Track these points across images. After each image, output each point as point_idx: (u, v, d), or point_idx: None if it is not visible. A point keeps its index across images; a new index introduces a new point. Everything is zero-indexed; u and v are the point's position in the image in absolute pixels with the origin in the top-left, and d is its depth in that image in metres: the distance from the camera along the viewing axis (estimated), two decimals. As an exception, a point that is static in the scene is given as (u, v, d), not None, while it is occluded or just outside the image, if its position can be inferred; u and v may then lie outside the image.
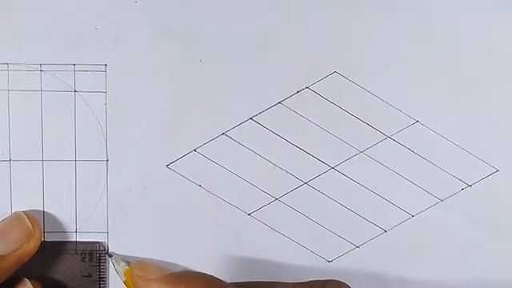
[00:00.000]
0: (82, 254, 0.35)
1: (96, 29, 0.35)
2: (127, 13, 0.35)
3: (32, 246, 0.33)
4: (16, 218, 0.34)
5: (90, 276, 0.35)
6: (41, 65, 0.35)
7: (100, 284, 0.35)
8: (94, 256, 0.35)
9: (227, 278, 0.36)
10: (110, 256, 0.34)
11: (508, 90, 0.35)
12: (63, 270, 0.35)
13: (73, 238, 0.36)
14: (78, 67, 0.35)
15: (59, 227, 0.36)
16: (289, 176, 0.36)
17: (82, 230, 0.36)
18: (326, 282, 0.32)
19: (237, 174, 0.35)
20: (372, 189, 0.36)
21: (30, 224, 0.33)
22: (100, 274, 0.35)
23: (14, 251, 0.32)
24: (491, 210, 0.35)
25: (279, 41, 0.35)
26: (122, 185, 0.35)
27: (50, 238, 0.35)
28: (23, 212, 0.34)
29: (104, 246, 0.35)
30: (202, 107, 0.35)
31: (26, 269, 0.33)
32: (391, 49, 0.35)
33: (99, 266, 0.35)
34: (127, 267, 0.33)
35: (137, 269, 0.31)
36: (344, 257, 0.36)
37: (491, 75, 0.35)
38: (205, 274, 0.31)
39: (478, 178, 0.35)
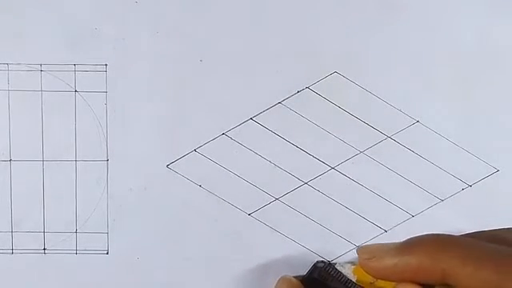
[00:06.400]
0: None
1: (96, 29, 0.35)
2: (127, 13, 0.35)
3: None
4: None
5: None
6: (41, 65, 0.35)
7: None
8: None
9: (227, 278, 0.36)
10: (334, 264, 0.34)
11: (508, 90, 0.35)
12: None
13: (73, 238, 0.36)
14: (78, 67, 0.35)
15: (59, 227, 0.36)
16: (289, 176, 0.36)
17: (81, 230, 0.36)
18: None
19: (237, 174, 0.35)
20: (372, 189, 0.36)
21: None
22: None
23: None
24: (491, 210, 0.35)
25: (279, 41, 0.35)
26: (122, 185, 0.35)
27: (49, 238, 0.36)
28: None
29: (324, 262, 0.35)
30: (202, 107, 0.35)
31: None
32: (391, 49, 0.35)
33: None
34: (353, 266, 0.33)
35: (363, 254, 0.31)
36: (344, 256, 0.36)
37: (491, 75, 0.35)
38: (429, 234, 0.30)
39: (478, 178, 0.35)
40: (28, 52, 0.35)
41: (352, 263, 0.34)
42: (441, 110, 0.35)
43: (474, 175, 0.35)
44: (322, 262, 0.35)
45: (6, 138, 0.35)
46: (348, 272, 0.33)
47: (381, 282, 0.31)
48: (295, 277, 0.35)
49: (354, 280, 0.33)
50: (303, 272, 0.35)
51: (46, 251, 0.36)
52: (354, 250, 0.36)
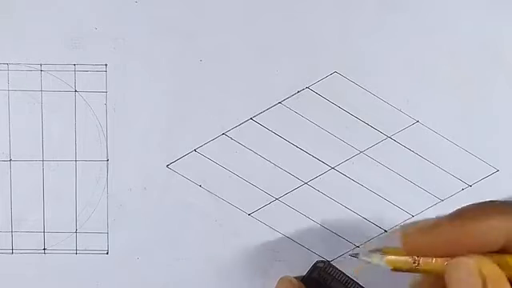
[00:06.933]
0: None
1: (96, 29, 0.35)
2: (127, 13, 0.35)
3: None
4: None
5: None
6: (41, 65, 0.35)
7: None
8: None
9: (227, 278, 0.36)
10: (357, 255, 0.30)
11: (508, 91, 0.35)
12: None
13: (73, 238, 0.36)
14: (78, 67, 0.35)
15: (59, 227, 0.36)
16: (289, 176, 0.36)
17: (82, 230, 0.36)
18: None
19: (237, 174, 0.35)
20: (372, 189, 0.36)
21: None
22: None
23: None
24: (491, 210, 0.35)
25: (279, 41, 0.35)
26: (122, 185, 0.35)
27: (49, 238, 0.36)
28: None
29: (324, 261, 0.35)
30: (202, 107, 0.35)
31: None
32: (391, 49, 0.35)
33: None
34: (385, 256, 0.28)
35: (410, 229, 0.27)
36: (344, 256, 0.36)
37: (491, 76, 0.35)
38: (481, 202, 0.27)
39: (478, 177, 0.35)
40: (28, 52, 0.35)
41: (378, 250, 0.30)
42: (441, 110, 0.35)
43: (474, 175, 0.35)
44: (322, 261, 0.35)
45: (6, 137, 0.35)
46: (380, 262, 0.30)
47: (425, 263, 0.27)
48: (295, 277, 0.35)
49: (391, 269, 0.30)
50: (303, 272, 0.35)
51: (45, 251, 0.36)
52: (354, 250, 0.36)
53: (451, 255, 0.25)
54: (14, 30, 0.35)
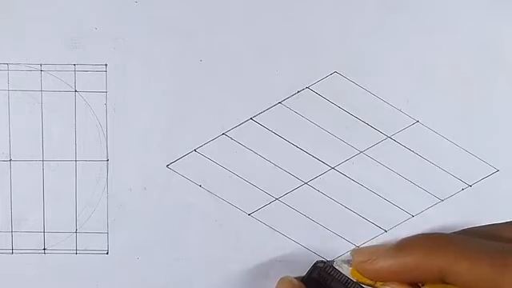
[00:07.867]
0: None
1: (96, 29, 0.35)
2: (127, 13, 0.35)
3: None
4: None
5: None
6: (41, 65, 0.35)
7: None
8: None
9: (227, 278, 0.36)
10: (331, 263, 0.34)
11: (508, 91, 0.35)
12: None
13: (73, 238, 0.36)
14: (78, 67, 0.35)
15: (59, 227, 0.36)
16: (289, 176, 0.36)
17: (82, 230, 0.36)
18: None
19: (237, 174, 0.35)
20: (372, 189, 0.36)
21: None
22: None
23: None
24: (491, 210, 0.35)
25: (279, 41, 0.35)
26: (122, 185, 0.35)
27: (49, 238, 0.36)
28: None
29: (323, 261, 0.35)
30: (202, 107, 0.35)
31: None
32: (391, 49, 0.35)
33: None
34: (350, 268, 0.33)
35: (357, 257, 0.32)
36: (344, 257, 0.36)
37: (492, 75, 0.35)
38: (423, 234, 0.31)
39: (478, 177, 0.35)
40: (28, 52, 0.35)
41: (348, 262, 0.34)
42: (441, 110, 0.35)
43: (474, 175, 0.35)
44: (322, 262, 0.35)
45: (6, 137, 0.35)
46: (347, 273, 0.33)
47: (379, 284, 0.31)
48: (295, 277, 0.35)
49: (355, 281, 0.33)
50: (303, 272, 0.35)
51: (45, 251, 0.36)
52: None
53: (394, 281, 0.30)
54: (14, 30, 0.35)
